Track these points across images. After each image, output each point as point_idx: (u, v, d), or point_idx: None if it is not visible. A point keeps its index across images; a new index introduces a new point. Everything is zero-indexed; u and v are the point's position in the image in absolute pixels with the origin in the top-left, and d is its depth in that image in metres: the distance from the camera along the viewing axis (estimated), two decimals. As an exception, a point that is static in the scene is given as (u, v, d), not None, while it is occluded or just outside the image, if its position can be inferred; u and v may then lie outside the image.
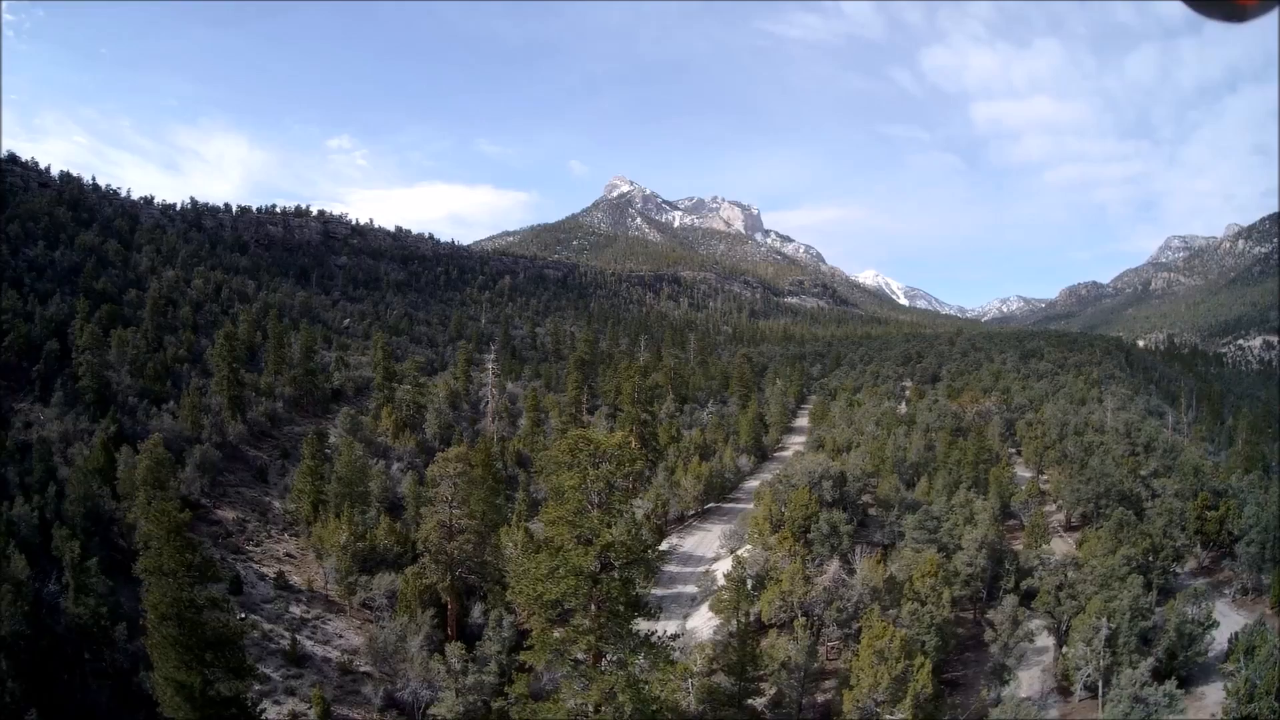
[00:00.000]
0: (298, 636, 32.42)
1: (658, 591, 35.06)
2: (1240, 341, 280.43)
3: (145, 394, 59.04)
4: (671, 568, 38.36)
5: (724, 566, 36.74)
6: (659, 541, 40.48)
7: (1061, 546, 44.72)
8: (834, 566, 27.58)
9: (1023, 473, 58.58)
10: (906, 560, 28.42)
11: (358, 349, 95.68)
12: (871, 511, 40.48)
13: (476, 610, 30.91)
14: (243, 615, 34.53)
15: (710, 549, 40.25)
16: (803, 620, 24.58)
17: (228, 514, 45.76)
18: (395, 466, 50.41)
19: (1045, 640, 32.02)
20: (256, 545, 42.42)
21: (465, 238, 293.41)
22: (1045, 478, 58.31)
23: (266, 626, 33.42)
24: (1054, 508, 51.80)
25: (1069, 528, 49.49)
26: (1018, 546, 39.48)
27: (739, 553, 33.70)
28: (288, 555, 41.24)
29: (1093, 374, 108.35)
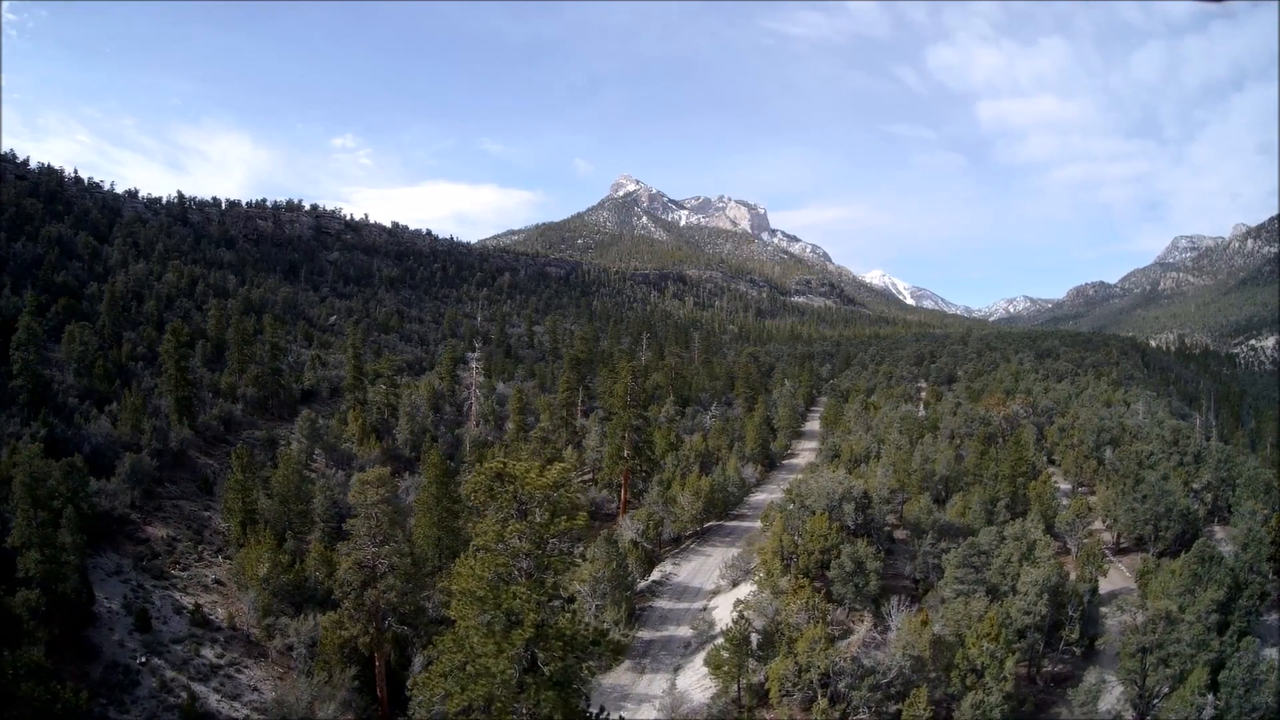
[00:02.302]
0: (204, 689, 26.85)
1: (645, 634, 29.30)
2: (1253, 342, 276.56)
3: (89, 395, 53.64)
4: (663, 603, 32.51)
5: (724, 603, 30.92)
6: (649, 569, 34.69)
7: (1115, 576, 38.77)
8: (864, 627, 21.87)
9: (1059, 484, 52.59)
10: (954, 613, 22.57)
11: (340, 347, 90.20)
12: (898, 535, 34.62)
13: (418, 663, 25.20)
14: (143, 659, 29.01)
15: (709, 579, 34.38)
16: (824, 704, 18.81)
17: (159, 531, 40.17)
18: (355, 478, 44.66)
19: (1115, 697, 26.19)
20: (184, 569, 36.80)
21: (470, 237, 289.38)
22: (1085, 489, 52.34)
23: (169, 674, 27.81)
24: (1099, 524, 45.84)
25: (1118, 550, 43.49)
26: (1068, 574, 33.76)
27: (742, 594, 27.95)
28: (217, 583, 35.59)
29: (1111, 374, 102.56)
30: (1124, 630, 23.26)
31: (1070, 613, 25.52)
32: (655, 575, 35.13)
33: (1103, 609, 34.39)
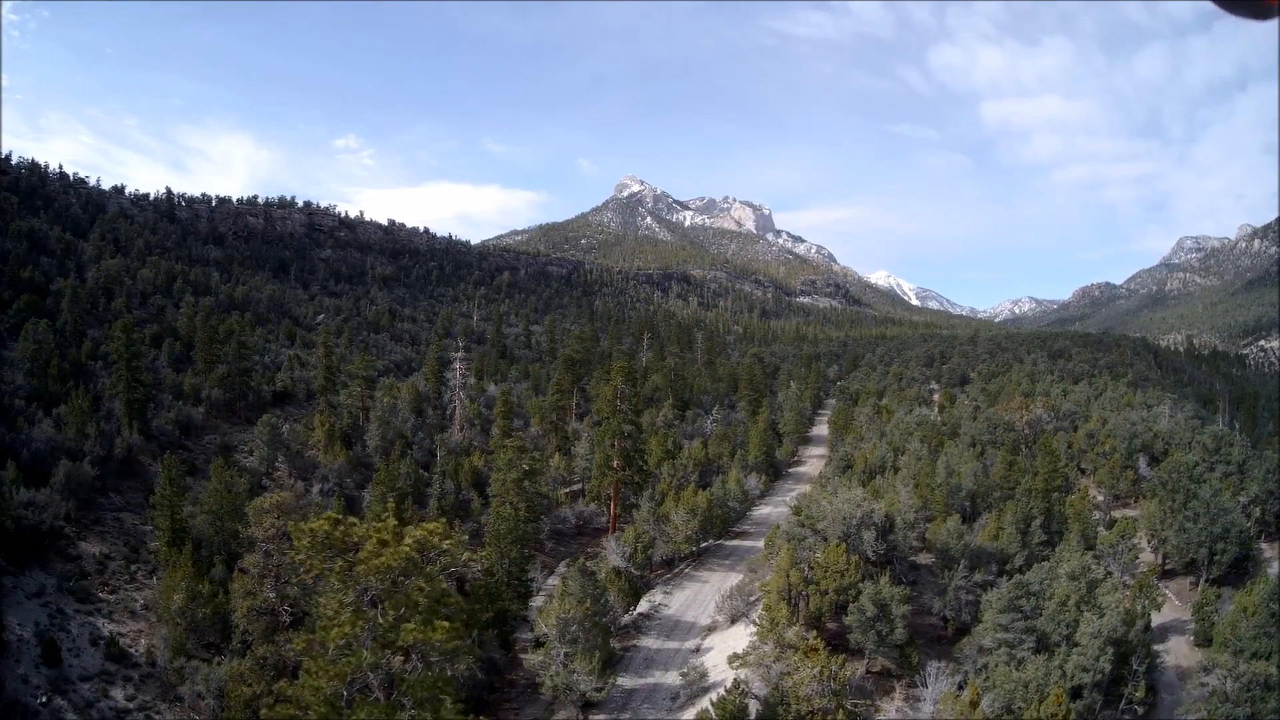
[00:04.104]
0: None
1: (626, 682, 24.98)
2: (1262, 343, 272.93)
3: (39, 396, 49.65)
4: (649, 641, 28.14)
5: (720, 643, 26.59)
6: (635, 599, 30.34)
7: (1166, 607, 34.25)
8: (894, 705, 17.56)
9: (1094, 496, 48.05)
10: (1003, 677, 18.13)
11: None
12: (921, 560, 30.20)
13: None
14: (44, 699, 24.95)
15: (704, 612, 29.99)
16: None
17: (92, 547, 36.13)
18: (317, 489, 40.62)
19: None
20: (112, 592, 32.75)
21: (474, 238, 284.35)
22: (1119, 502, 47.80)
23: (70, 718, 23.72)
24: (1140, 541, 41.30)
25: (1164, 573, 38.95)
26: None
27: (740, 637, 23.69)
28: (145, 609, 31.44)
29: (1127, 376, 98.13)
30: (1210, 696, 18.83)
31: (1135, 665, 21.09)
32: (643, 606, 30.73)
33: (1154, 646, 30.00)
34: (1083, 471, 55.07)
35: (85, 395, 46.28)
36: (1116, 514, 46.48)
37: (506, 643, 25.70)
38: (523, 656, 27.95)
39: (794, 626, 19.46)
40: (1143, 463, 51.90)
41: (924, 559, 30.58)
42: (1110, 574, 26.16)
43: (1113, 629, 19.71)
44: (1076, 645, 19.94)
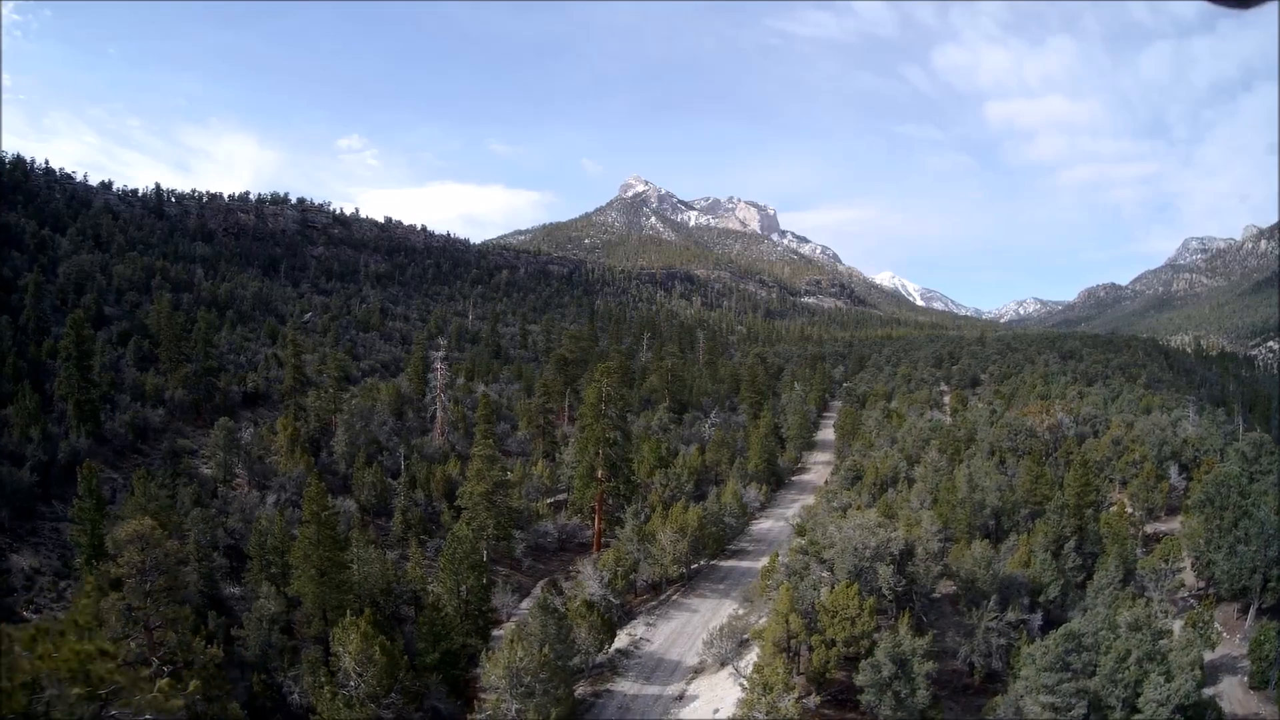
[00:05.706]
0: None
1: (596, 737, 21.39)
2: (1271, 344, 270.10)
3: (-12, 398, 46.30)
4: (626, 684, 24.41)
5: (707, 690, 22.89)
6: (613, 633, 26.63)
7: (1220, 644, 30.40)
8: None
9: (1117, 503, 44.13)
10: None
11: (311, 346, 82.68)
12: (942, 589, 26.44)
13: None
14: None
15: (692, 649, 26.23)
16: None
17: (24, 561, 32.89)
18: (272, 500, 37.11)
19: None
20: (36, 611, 29.45)
21: (478, 237, 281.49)
22: (1150, 516, 43.99)
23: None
24: (1181, 562, 37.42)
25: (1204, 598, 35.09)
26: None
27: (728, 689, 20.03)
28: (66, 639, 28.01)
29: (1141, 378, 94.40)
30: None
31: (1207, 730, 17.34)
32: (622, 640, 26.97)
33: (1204, 691, 26.20)
34: (1109, 482, 51.25)
35: (34, 396, 42.91)
36: (1149, 529, 42.77)
37: (457, 686, 22.11)
38: (482, 697, 24.33)
39: (793, 691, 15.85)
40: (1173, 472, 48.17)
41: (945, 586, 26.84)
42: (1191, 632, 22.23)
43: (1185, 695, 16.06)
44: (1138, 712, 16.29)
